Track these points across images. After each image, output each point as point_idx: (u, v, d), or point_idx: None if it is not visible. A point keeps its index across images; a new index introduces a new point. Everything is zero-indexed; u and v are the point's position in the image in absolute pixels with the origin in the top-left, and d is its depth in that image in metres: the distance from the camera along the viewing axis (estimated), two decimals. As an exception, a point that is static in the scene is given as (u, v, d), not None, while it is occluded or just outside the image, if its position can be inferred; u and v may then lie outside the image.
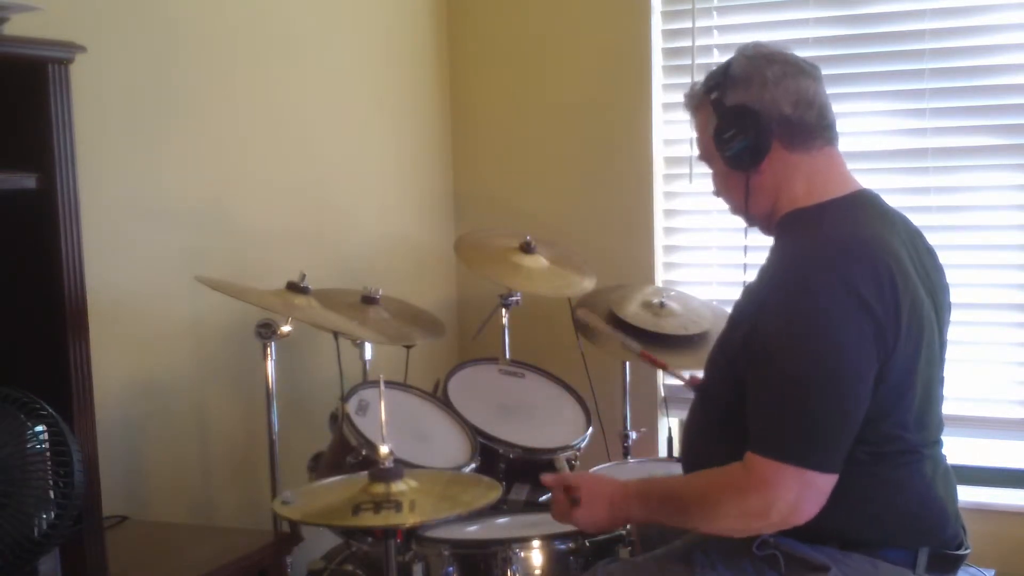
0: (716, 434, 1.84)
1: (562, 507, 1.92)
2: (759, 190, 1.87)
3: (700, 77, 3.24)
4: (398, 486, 1.84)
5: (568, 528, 2.16)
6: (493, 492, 1.90)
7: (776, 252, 1.89)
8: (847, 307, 1.67)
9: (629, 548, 2.21)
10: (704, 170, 3.27)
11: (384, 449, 1.87)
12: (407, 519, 1.78)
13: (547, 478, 1.98)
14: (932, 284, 1.83)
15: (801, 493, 1.69)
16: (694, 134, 1.97)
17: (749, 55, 1.86)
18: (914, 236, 1.88)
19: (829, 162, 1.87)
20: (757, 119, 1.81)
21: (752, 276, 1.89)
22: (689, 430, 1.99)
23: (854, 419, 1.70)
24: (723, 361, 1.86)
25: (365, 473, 1.90)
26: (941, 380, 1.87)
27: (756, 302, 1.80)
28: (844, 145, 1.92)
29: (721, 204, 3.29)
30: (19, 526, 1.82)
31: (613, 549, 2.21)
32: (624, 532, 2.22)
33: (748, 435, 1.73)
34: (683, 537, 1.96)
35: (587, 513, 1.89)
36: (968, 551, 1.84)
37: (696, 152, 2.01)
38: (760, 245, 1.95)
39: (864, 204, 1.86)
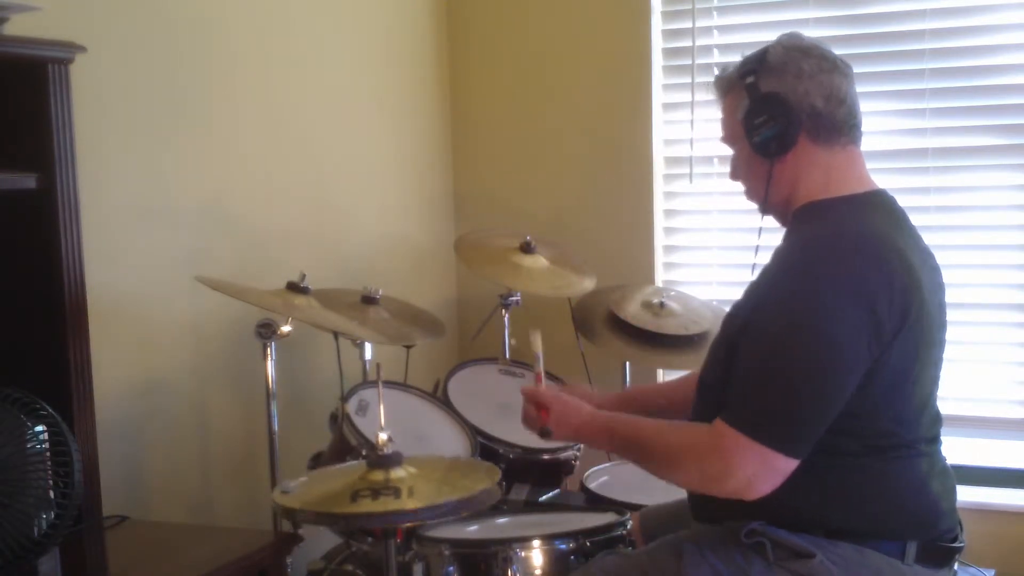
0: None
1: (531, 419, 2.01)
2: (779, 180, 1.88)
3: (700, 77, 3.30)
4: (397, 473, 1.83)
5: (569, 528, 2.17)
6: (493, 476, 1.89)
7: (784, 243, 1.90)
8: (847, 301, 1.68)
9: (630, 548, 2.20)
10: (704, 170, 3.35)
11: (383, 436, 1.86)
12: (406, 505, 1.76)
13: (525, 389, 2.05)
14: (934, 285, 1.84)
15: (758, 470, 1.71)
16: (721, 116, 1.96)
17: (787, 45, 1.87)
18: (917, 237, 1.89)
19: (850, 160, 1.88)
20: (788, 109, 1.82)
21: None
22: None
23: (831, 410, 1.71)
24: (724, 349, 1.86)
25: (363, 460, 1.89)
26: (936, 379, 1.87)
27: (760, 293, 1.81)
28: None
29: (721, 204, 3.35)
30: (19, 526, 1.82)
31: (614, 548, 2.21)
32: (624, 532, 2.22)
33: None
34: (676, 532, 1.97)
35: (554, 428, 1.97)
36: (962, 545, 1.85)
37: (720, 135, 2.00)
38: (770, 246, 1.94)
39: (876, 203, 1.87)
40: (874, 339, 1.69)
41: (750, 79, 1.86)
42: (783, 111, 1.83)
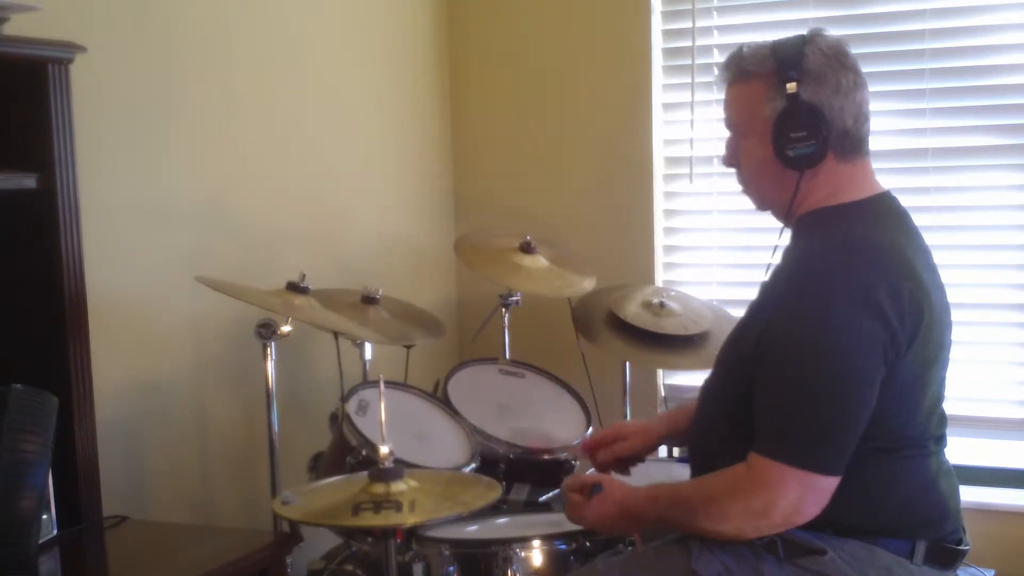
0: (723, 433, 1.85)
1: (576, 502, 1.92)
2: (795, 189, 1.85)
3: (700, 77, 3.30)
4: (398, 486, 1.84)
5: (568, 528, 2.17)
6: (493, 492, 1.90)
7: (793, 251, 1.89)
8: (859, 311, 1.68)
9: (631, 547, 2.21)
10: (704, 170, 3.35)
11: (384, 449, 1.87)
12: (407, 519, 1.78)
13: (567, 481, 1.98)
14: (937, 287, 1.83)
15: (803, 494, 1.70)
16: (732, 100, 1.89)
17: (826, 52, 1.80)
18: (919, 238, 1.88)
19: (861, 169, 1.87)
20: (826, 127, 1.79)
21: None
22: (695, 429, 1.99)
23: (859, 422, 1.71)
24: (734, 359, 1.86)
25: (365, 473, 1.90)
26: (944, 380, 1.88)
27: (771, 302, 1.80)
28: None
29: (721, 204, 3.35)
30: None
31: (614, 547, 2.21)
32: (624, 532, 2.22)
33: (754, 434, 1.74)
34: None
35: (597, 508, 1.89)
36: (968, 548, 1.85)
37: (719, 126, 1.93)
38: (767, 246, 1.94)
39: (881, 207, 1.86)
40: (890, 346, 1.69)
41: (791, 85, 1.79)
42: (822, 129, 1.78)
